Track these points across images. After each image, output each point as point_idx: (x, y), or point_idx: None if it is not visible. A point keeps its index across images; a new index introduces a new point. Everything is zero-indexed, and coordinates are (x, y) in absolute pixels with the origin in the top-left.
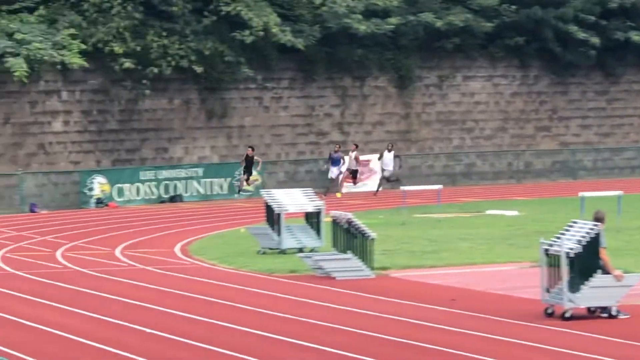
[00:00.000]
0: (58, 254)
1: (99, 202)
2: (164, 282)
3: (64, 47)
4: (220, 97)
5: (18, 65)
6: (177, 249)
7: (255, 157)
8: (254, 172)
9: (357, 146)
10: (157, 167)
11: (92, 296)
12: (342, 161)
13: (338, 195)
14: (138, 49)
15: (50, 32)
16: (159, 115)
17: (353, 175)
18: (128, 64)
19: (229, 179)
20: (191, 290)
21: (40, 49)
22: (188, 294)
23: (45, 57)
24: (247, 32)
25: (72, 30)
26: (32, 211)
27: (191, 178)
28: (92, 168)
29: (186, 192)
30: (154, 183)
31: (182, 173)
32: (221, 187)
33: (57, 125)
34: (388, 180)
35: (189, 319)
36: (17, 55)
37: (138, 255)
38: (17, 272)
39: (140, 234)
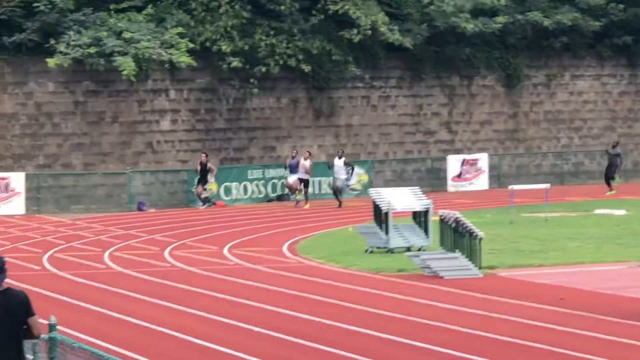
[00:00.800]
0: (166, 252)
1: (207, 200)
2: (271, 281)
3: (172, 46)
4: (328, 96)
5: (126, 64)
6: (284, 248)
7: (209, 165)
8: (210, 181)
9: (310, 154)
10: (264, 165)
11: (199, 295)
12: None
13: (306, 206)
14: (246, 47)
15: (158, 31)
16: (267, 114)
17: (305, 184)
18: (236, 62)
19: None
20: (298, 289)
21: (148, 47)
22: (295, 292)
23: (154, 56)
24: (354, 30)
25: (180, 29)
26: (139, 209)
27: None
28: None
29: None
30: (261, 182)
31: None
32: (329, 185)
33: (165, 124)
34: (338, 191)
35: (296, 318)
36: (125, 54)
37: (246, 254)
38: (125, 271)
39: (248, 233)
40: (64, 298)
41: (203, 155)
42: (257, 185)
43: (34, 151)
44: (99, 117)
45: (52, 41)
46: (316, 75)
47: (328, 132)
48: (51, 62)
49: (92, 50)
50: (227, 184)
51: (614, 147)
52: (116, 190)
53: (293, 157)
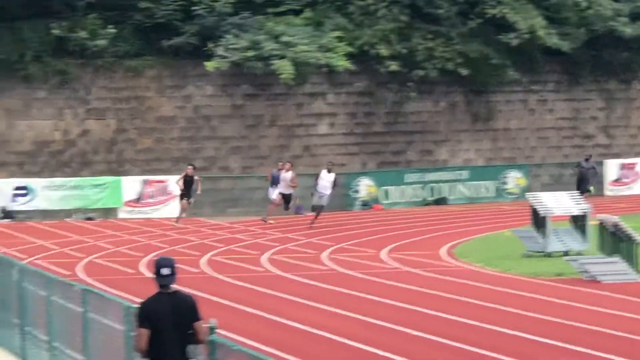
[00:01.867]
0: (324, 255)
1: (365, 204)
2: (429, 285)
3: (329, 50)
4: (486, 100)
5: (284, 68)
6: (442, 252)
7: (195, 177)
8: (192, 196)
9: (291, 165)
10: (422, 169)
11: (357, 298)
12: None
13: (271, 222)
14: (404, 51)
15: (316, 35)
16: (425, 117)
17: (286, 200)
18: (394, 66)
19: (494, 182)
20: (457, 293)
21: (306, 51)
22: (453, 296)
23: (311, 60)
24: (512, 34)
25: (338, 33)
26: (298, 213)
27: (456, 181)
28: (358, 170)
29: (451, 194)
30: (419, 185)
31: (447, 176)
32: (487, 189)
33: (323, 128)
34: (320, 208)
35: (453, 322)
36: (283, 57)
37: (403, 258)
38: (283, 274)
39: (406, 237)
40: (222, 301)
41: (189, 167)
42: (414, 189)
43: (192, 154)
44: (256, 120)
45: (211, 45)
46: (474, 79)
47: (485, 136)
48: (209, 65)
49: (250, 53)
50: (385, 187)
51: (586, 160)
52: None
53: (279, 169)
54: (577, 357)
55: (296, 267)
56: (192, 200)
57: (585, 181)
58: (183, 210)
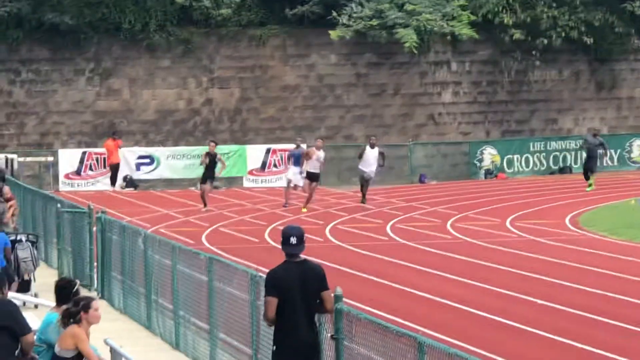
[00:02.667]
0: (448, 224)
1: (489, 173)
2: (553, 253)
3: (453, 18)
4: (610, 68)
5: (408, 37)
6: (567, 220)
7: (218, 155)
8: (216, 178)
9: (323, 142)
10: (546, 138)
11: (482, 267)
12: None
13: (303, 210)
14: (528, 20)
15: (440, 4)
16: (548, 86)
17: (315, 179)
18: (518, 35)
19: (619, 151)
20: (582, 262)
21: (430, 20)
22: (578, 265)
23: (435, 28)
24: (637, 2)
25: (462, 2)
26: (421, 182)
27: (581, 149)
28: (482, 139)
29: (575, 163)
30: (543, 154)
31: (571, 144)
32: (611, 159)
33: (447, 96)
34: (366, 183)
35: (579, 290)
36: (407, 26)
37: (528, 227)
38: (408, 243)
39: (530, 206)
40: (347, 269)
41: (212, 143)
42: (538, 158)
43: (315, 123)
44: (380, 89)
45: (334, 13)
46: (598, 48)
47: (610, 105)
48: (333, 34)
49: (374, 22)
50: (509, 156)
51: (594, 135)
52: (398, 163)
53: (297, 147)
54: None
55: (420, 236)
56: (214, 184)
57: (592, 159)
58: (203, 193)
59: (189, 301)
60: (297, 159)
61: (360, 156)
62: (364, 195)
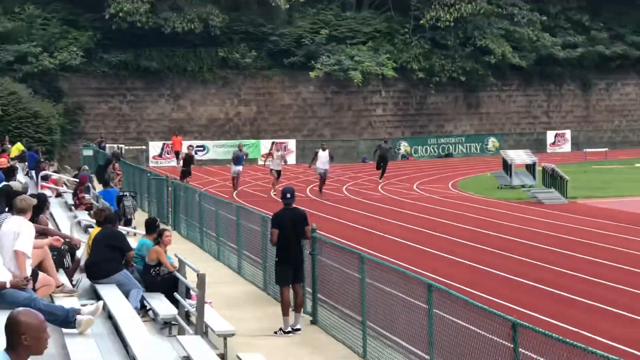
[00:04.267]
0: (379, 187)
1: (404, 157)
2: (441, 204)
3: (383, 65)
4: (476, 95)
5: (356, 75)
6: (449, 185)
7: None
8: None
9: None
10: (438, 136)
11: (393, 210)
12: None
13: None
14: (427, 66)
15: (374, 56)
16: (439, 106)
17: (323, 179)
18: (421, 75)
19: (480, 144)
20: (457, 209)
21: (369, 65)
22: (454, 210)
23: (372, 70)
24: (492, 56)
25: (387, 55)
26: (363, 162)
27: (458, 143)
28: (399, 137)
29: (455, 151)
30: (435, 146)
31: (452, 140)
32: (475, 148)
33: (379, 111)
34: (323, 179)
35: (447, 224)
36: (355, 69)
37: (427, 188)
38: (355, 197)
39: (428, 176)
40: (320, 214)
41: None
42: (433, 148)
43: (301, 127)
44: (340, 107)
45: (312, 62)
46: (469, 83)
47: (475, 117)
48: (312, 74)
49: (336, 67)
50: (415, 147)
51: (385, 141)
52: (350, 151)
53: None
54: (530, 248)
55: (363, 194)
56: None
57: (384, 159)
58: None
59: (226, 232)
60: (238, 160)
61: (314, 157)
62: (320, 189)
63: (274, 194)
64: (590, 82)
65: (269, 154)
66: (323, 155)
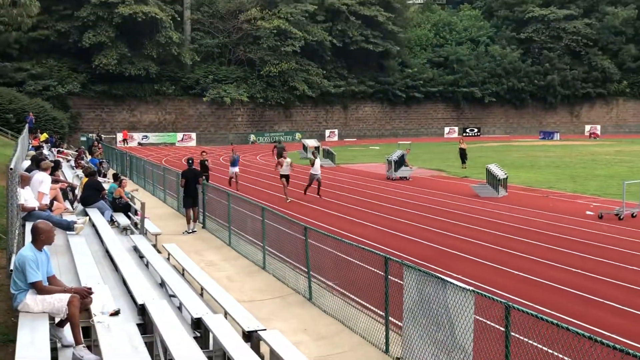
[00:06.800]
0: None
1: (253, 142)
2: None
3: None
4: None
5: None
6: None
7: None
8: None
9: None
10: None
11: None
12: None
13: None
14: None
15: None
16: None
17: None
18: None
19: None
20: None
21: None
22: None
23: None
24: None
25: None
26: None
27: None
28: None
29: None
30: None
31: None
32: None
33: None
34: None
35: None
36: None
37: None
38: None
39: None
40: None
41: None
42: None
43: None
44: None
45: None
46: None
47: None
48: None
49: None
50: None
51: (279, 142)
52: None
53: (234, 152)
54: (469, 229)
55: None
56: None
57: (281, 156)
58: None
59: (159, 180)
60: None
61: (312, 164)
62: (318, 191)
63: (289, 201)
64: (348, 105)
65: (279, 163)
66: (317, 163)
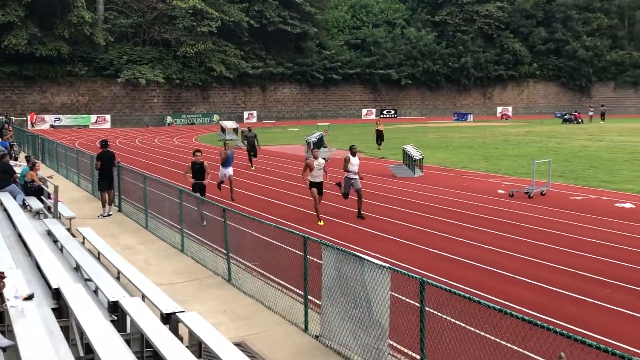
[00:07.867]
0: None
1: (169, 124)
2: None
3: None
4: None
5: None
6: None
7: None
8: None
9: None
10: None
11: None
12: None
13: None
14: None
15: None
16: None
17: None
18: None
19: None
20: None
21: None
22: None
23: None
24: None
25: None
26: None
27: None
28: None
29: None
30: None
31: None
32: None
33: None
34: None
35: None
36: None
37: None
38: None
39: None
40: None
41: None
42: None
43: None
44: None
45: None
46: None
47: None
48: None
49: None
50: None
51: (249, 130)
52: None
53: (227, 149)
54: (382, 208)
55: (150, 144)
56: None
57: (252, 146)
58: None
59: (73, 164)
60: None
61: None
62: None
63: (321, 223)
64: (267, 87)
65: (307, 167)
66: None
